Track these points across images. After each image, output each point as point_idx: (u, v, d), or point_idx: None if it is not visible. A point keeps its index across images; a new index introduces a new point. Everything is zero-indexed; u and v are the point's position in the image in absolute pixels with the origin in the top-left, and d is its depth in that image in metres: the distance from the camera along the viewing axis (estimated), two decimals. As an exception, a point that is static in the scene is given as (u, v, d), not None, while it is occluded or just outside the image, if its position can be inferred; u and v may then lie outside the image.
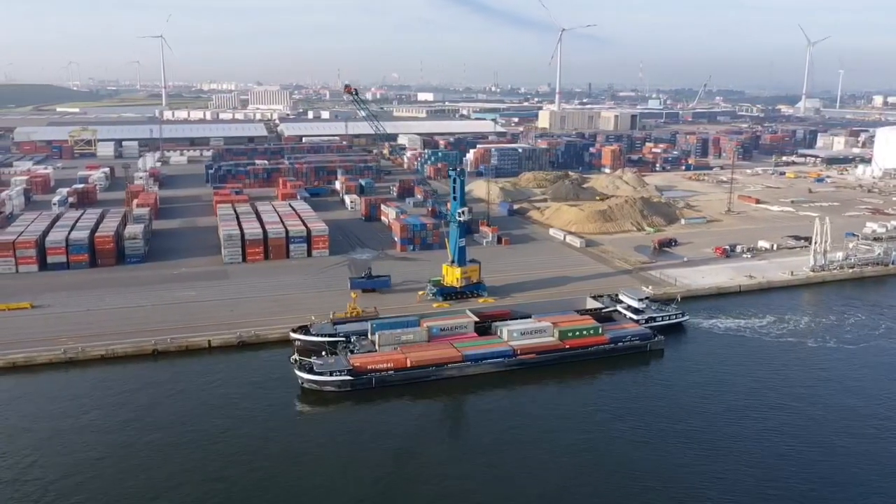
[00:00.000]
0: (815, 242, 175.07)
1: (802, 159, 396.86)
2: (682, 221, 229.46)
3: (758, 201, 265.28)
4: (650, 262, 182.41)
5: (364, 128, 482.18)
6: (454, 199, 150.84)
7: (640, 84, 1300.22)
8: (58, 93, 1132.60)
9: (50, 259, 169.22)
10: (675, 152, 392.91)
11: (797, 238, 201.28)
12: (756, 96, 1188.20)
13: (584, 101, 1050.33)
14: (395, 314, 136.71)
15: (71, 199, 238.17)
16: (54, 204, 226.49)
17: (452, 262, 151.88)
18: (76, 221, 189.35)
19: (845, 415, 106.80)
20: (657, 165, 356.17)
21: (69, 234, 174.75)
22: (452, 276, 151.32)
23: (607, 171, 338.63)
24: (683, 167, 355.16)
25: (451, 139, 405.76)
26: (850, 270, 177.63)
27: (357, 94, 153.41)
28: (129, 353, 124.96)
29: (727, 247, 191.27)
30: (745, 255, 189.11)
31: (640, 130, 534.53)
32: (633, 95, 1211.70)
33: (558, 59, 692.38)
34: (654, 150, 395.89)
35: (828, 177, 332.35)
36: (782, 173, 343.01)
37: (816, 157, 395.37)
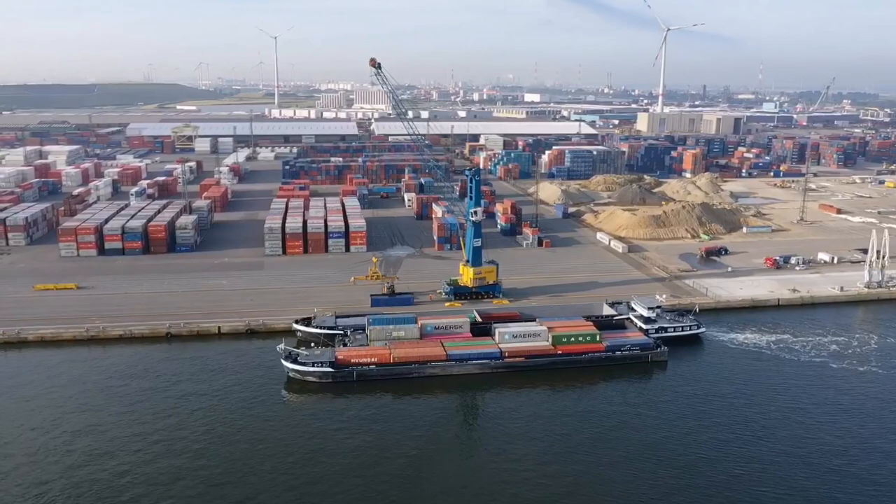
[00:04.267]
0: (872, 256, 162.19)
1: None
2: (745, 230, 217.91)
3: (839, 211, 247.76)
4: (691, 271, 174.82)
5: (455, 128, 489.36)
6: (470, 199, 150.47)
7: (761, 86, 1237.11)
8: (185, 92, 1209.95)
9: (107, 245, 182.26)
10: (768, 158, 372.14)
11: (865, 251, 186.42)
12: (890, 100, 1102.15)
13: (696, 103, 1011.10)
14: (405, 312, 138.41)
15: (150, 191, 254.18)
16: (132, 195, 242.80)
17: (467, 261, 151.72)
18: (138, 211, 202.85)
19: (825, 452, 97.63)
20: (743, 171, 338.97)
21: (126, 222, 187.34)
22: (467, 276, 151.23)
23: (688, 175, 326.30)
24: (772, 173, 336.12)
25: (531, 140, 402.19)
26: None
27: (380, 67, 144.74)
28: (145, 335, 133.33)
29: (778, 258, 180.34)
30: (797, 268, 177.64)
31: (741, 134, 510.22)
32: (752, 98, 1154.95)
33: (662, 60, 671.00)
34: (745, 154, 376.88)
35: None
36: (881, 182, 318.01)
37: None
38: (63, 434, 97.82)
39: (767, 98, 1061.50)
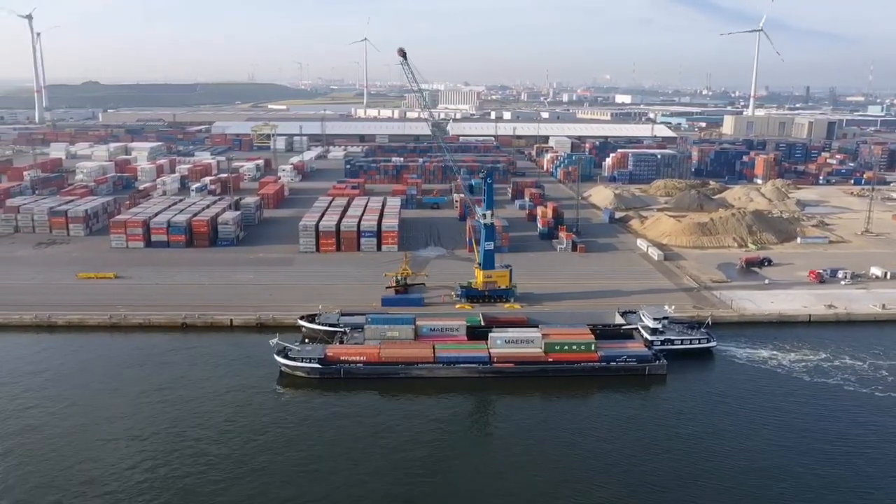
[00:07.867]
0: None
1: None
2: (799, 240, 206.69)
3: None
4: (724, 282, 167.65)
5: (525, 129, 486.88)
6: (483, 201, 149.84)
7: (871, 87, 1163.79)
8: (283, 91, 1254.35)
9: (153, 238, 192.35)
10: (852, 164, 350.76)
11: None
12: None
13: (797, 105, 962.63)
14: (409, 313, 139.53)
15: (212, 187, 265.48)
16: (192, 190, 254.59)
17: (479, 264, 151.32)
18: (188, 206, 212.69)
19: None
20: (820, 178, 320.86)
21: (172, 217, 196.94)
22: (479, 279, 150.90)
23: (759, 181, 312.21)
24: (852, 181, 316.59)
25: (597, 143, 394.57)
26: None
27: (406, 57, 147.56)
28: (163, 324, 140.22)
29: (823, 271, 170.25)
30: (842, 282, 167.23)
31: (835, 138, 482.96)
32: (861, 100, 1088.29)
33: (755, 61, 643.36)
34: (828, 160, 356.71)
35: None
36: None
37: None
38: (43, 418, 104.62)
39: (878, 100, 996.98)
